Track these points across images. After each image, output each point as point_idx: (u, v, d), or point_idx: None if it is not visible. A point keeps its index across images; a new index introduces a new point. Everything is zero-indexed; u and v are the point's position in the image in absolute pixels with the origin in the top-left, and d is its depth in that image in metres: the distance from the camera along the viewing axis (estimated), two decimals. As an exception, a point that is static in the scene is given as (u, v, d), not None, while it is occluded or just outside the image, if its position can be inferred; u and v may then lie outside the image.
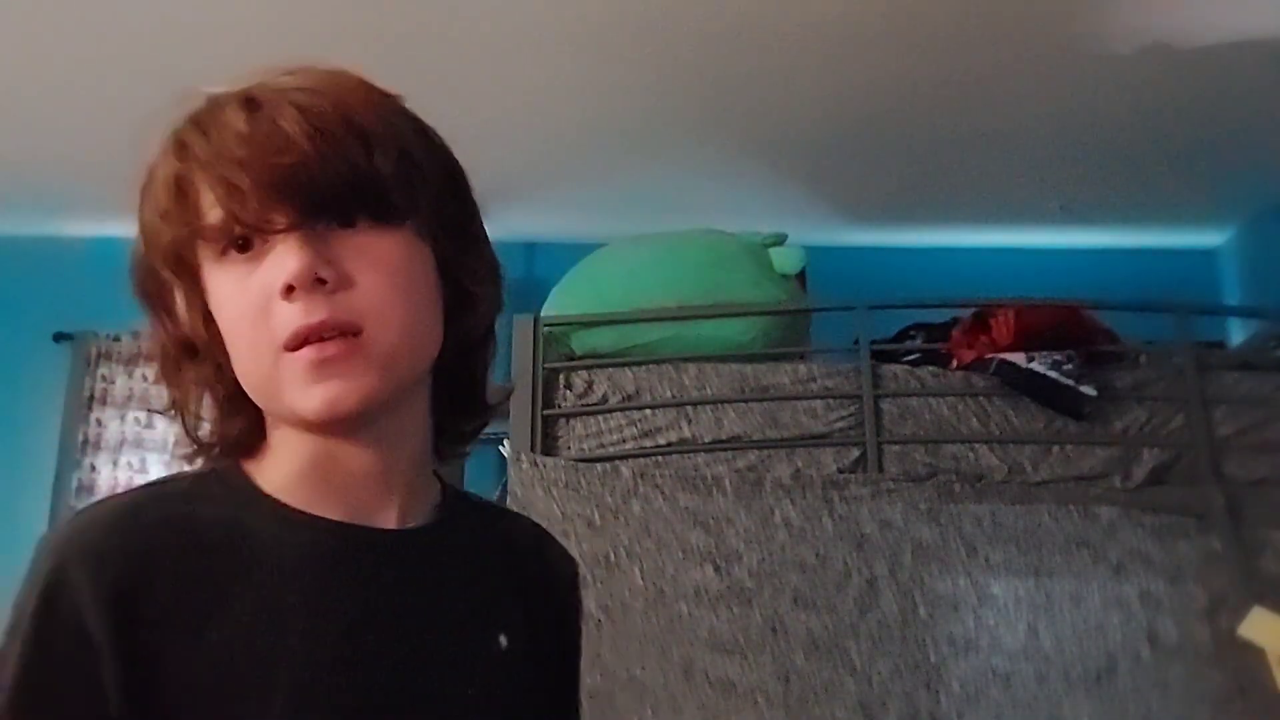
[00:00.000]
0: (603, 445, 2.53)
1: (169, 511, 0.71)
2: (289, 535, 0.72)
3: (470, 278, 0.77)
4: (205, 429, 0.76)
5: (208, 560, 0.69)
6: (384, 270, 0.70)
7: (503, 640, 0.79)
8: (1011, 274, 3.74)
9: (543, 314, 2.73)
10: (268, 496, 0.73)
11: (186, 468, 0.78)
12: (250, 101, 0.69)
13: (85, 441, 3.89)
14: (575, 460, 2.49)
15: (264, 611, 0.68)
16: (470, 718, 0.75)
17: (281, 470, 0.74)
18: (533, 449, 2.50)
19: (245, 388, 0.72)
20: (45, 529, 3.57)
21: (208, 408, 0.76)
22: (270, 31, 2.68)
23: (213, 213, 0.68)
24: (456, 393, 0.81)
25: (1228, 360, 2.87)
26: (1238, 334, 3.53)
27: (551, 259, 3.49)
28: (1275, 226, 3.68)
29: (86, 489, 3.85)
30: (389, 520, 0.76)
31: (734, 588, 2.39)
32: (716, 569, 2.40)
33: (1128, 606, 2.38)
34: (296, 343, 0.68)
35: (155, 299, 0.75)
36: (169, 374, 0.75)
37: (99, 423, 3.91)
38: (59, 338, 3.94)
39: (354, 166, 0.68)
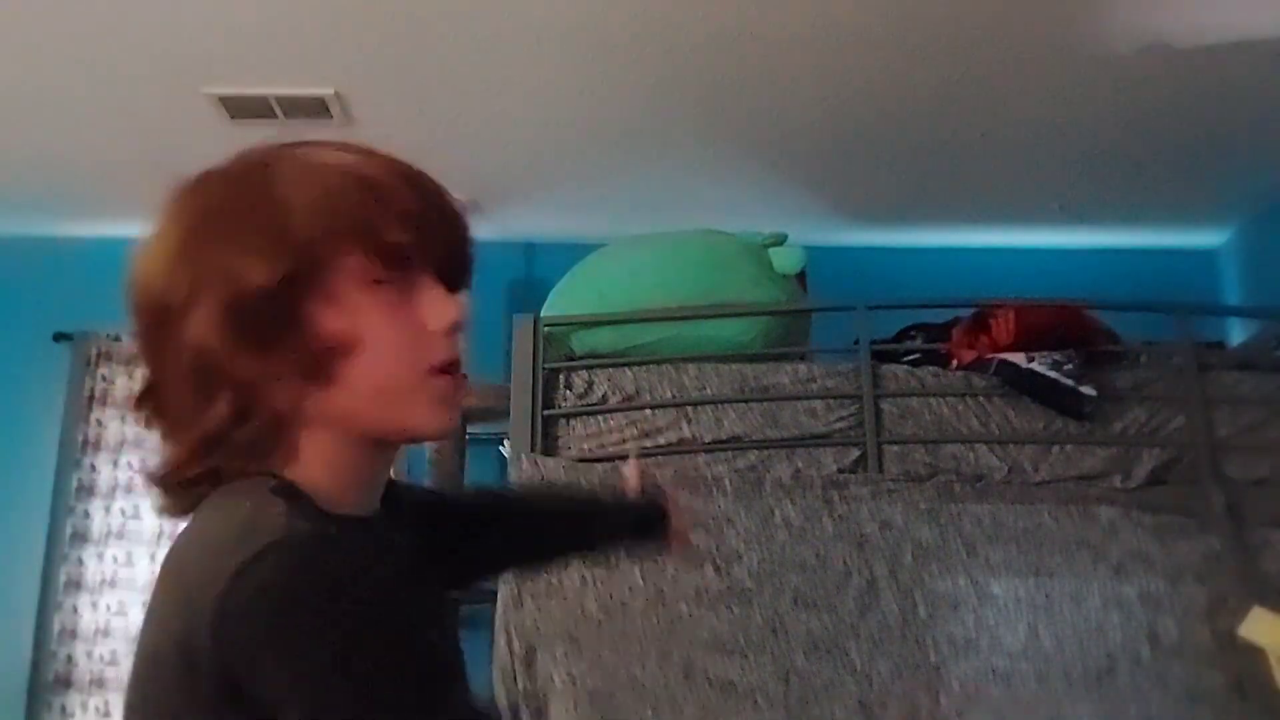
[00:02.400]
0: (603, 445, 2.53)
1: (332, 542, 0.76)
2: (371, 538, 0.84)
3: None
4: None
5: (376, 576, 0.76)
6: (467, 327, 0.88)
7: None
8: (1011, 274, 3.74)
9: (543, 314, 2.73)
10: (328, 512, 0.79)
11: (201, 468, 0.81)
12: (416, 180, 0.83)
13: (85, 441, 3.89)
14: (575, 460, 2.49)
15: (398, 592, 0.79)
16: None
17: (323, 479, 0.82)
18: (533, 449, 2.50)
19: (360, 399, 0.81)
20: (46, 530, 3.51)
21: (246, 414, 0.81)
22: (270, 33, 2.68)
23: (401, 251, 0.81)
24: None
25: (1228, 360, 2.87)
26: (1238, 334, 3.53)
27: (551, 259, 3.49)
28: (1275, 226, 3.68)
29: (86, 489, 3.85)
30: (376, 505, 0.89)
31: (734, 588, 2.39)
32: (716, 569, 2.40)
33: (1128, 606, 2.38)
34: (444, 369, 0.83)
35: (299, 309, 0.79)
36: (311, 373, 0.79)
37: (99, 423, 3.91)
38: (59, 338, 3.94)
39: (474, 247, 0.88)
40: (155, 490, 0.82)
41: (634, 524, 1.38)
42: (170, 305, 0.79)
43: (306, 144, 0.84)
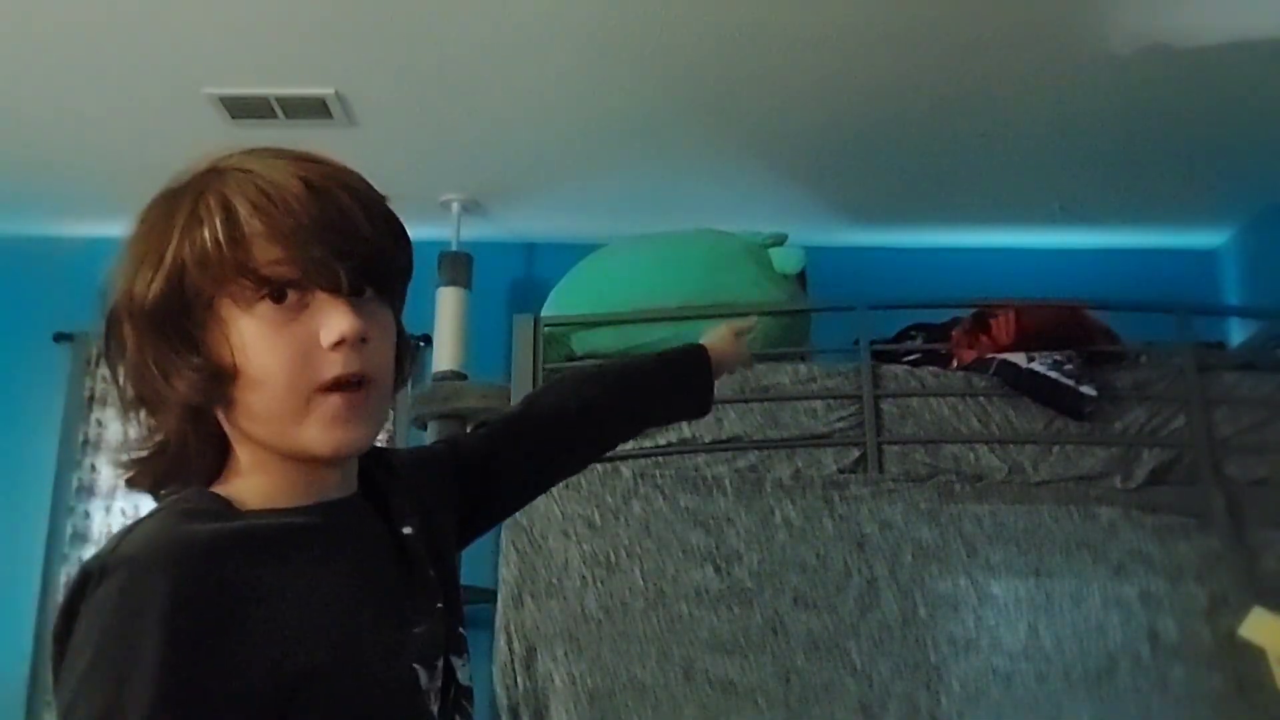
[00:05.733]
0: (603, 445, 2.53)
1: (218, 530, 0.79)
2: (299, 527, 0.82)
3: (405, 348, 0.93)
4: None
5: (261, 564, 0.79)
6: (387, 337, 0.87)
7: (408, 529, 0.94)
8: (1011, 274, 3.74)
9: (543, 314, 2.73)
10: (255, 510, 0.82)
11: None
12: (309, 184, 0.81)
13: (85, 441, 3.88)
14: (575, 460, 2.49)
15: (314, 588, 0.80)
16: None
17: (261, 488, 0.84)
18: (533, 449, 2.49)
19: (255, 420, 0.82)
20: (46, 530, 3.51)
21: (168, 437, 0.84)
22: (270, 33, 2.68)
23: (272, 268, 0.80)
24: None
25: (1228, 360, 2.87)
26: (1238, 334, 3.53)
27: (551, 259, 3.49)
28: (1275, 226, 3.68)
29: (86, 489, 3.85)
30: (335, 493, 0.88)
31: (734, 588, 2.39)
32: (717, 569, 2.40)
33: (1128, 606, 2.38)
34: (334, 386, 0.81)
35: (187, 331, 0.81)
36: (204, 397, 0.81)
37: (99, 423, 3.91)
38: (59, 338, 3.94)
39: (392, 253, 0.85)
40: (124, 473, 0.87)
41: (674, 380, 1.35)
42: (111, 314, 0.84)
43: (252, 154, 0.84)
